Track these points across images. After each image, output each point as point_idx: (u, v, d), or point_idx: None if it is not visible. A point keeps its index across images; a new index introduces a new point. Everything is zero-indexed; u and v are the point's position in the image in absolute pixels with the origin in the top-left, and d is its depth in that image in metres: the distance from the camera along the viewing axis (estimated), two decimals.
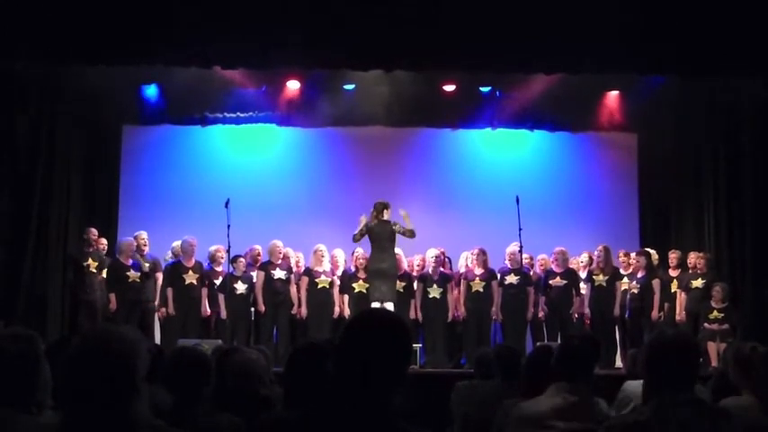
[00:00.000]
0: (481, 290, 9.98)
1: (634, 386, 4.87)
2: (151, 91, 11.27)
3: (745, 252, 10.25)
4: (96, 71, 9.35)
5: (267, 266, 9.96)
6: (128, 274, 9.83)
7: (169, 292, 9.85)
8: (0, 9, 8.18)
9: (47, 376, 2.69)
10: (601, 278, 10.13)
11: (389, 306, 9.07)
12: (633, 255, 10.44)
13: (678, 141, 11.57)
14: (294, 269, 10.17)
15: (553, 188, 11.80)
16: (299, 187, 11.65)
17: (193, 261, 9.98)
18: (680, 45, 8.66)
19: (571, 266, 10.33)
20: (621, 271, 10.34)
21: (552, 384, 3.57)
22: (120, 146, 11.64)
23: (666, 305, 10.12)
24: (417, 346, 9.56)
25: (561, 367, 3.62)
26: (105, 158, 11.52)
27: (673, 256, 10.49)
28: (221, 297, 9.83)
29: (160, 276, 10.09)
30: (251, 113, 11.71)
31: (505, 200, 9.68)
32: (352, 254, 10.06)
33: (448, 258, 10.54)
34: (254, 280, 9.93)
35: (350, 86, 11.21)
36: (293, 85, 11.40)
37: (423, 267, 10.32)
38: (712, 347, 9.32)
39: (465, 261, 10.42)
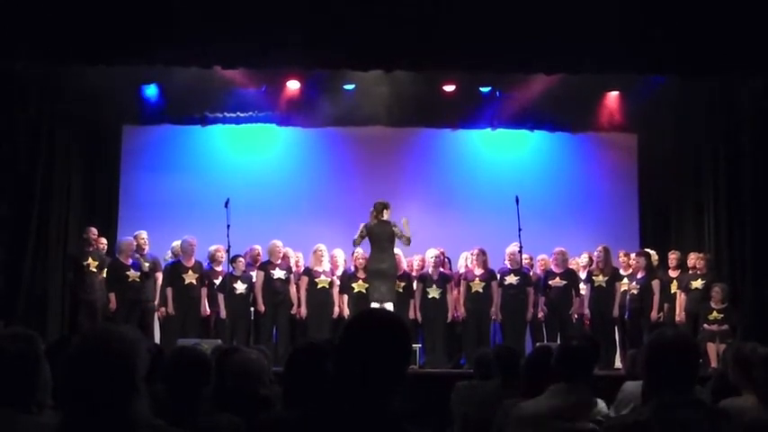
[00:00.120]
0: (481, 290, 9.97)
1: (633, 387, 4.88)
2: (151, 91, 11.26)
3: (744, 252, 10.23)
4: (96, 71, 9.36)
5: (267, 266, 9.97)
6: (127, 273, 9.84)
7: (169, 291, 9.85)
8: (0, 9, 8.18)
9: (47, 376, 2.69)
10: (600, 279, 10.13)
11: (389, 307, 9.06)
12: (633, 255, 10.44)
13: (678, 141, 11.56)
14: (294, 269, 10.17)
15: (553, 188, 11.80)
16: (299, 187, 11.65)
17: (193, 261, 9.99)
18: (680, 45, 8.66)
19: (571, 267, 10.33)
20: (621, 271, 10.34)
21: (552, 385, 3.58)
22: (120, 146, 11.64)
23: (666, 306, 10.12)
24: (417, 346, 9.56)
25: (561, 368, 3.62)
26: (105, 158, 11.53)
27: (672, 257, 10.49)
28: (221, 297, 9.84)
29: (160, 276, 10.09)
30: (251, 113, 11.71)
31: (505, 200, 9.68)
32: (352, 254, 10.06)
33: (447, 259, 10.54)
34: (254, 280, 9.94)
35: (350, 86, 11.20)
36: (293, 85, 11.40)
37: (422, 267, 10.32)
38: (712, 348, 9.31)
39: (465, 261, 10.42)
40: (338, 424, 2.04)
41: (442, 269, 10.19)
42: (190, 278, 9.88)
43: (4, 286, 9.40)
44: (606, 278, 10.11)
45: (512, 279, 10.01)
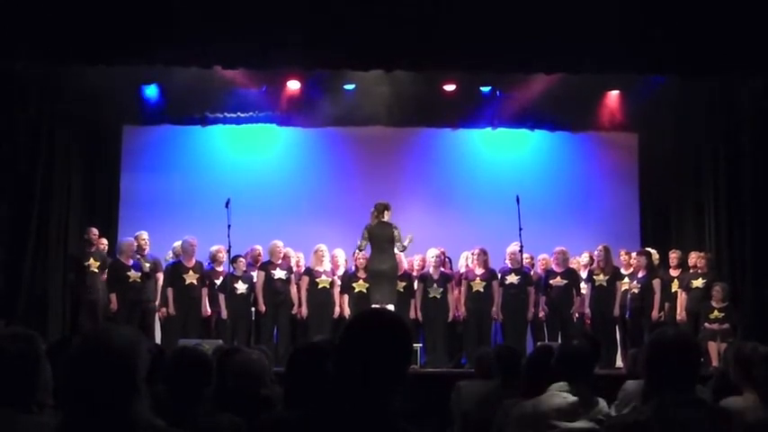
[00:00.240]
0: (482, 290, 9.97)
1: (634, 386, 4.89)
2: (151, 91, 11.26)
3: (745, 252, 10.24)
4: (96, 71, 9.35)
5: (267, 266, 9.97)
6: (128, 274, 9.84)
7: (170, 292, 9.85)
8: (0, 9, 8.18)
9: (47, 376, 2.69)
10: (601, 278, 10.13)
11: (390, 308, 9.05)
12: (634, 254, 10.44)
13: (678, 141, 11.56)
14: (294, 269, 10.17)
15: (553, 188, 11.80)
16: (300, 187, 11.65)
17: (194, 261, 9.99)
18: (680, 45, 8.66)
19: (571, 266, 10.33)
20: (622, 271, 10.33)
21: (552, 384, 3.58)
22: (120, 146, 11.64)
23: (667, 305, 10.12)
24: (418, 345, 9.57)
25: (561, 367, 3.62)
26: (105, 158, 11.52)
27: (673, 256, 10.48)
28: (222, 297, 9.84)
29: (161, 276, 10.09)
30: (251, 113, 11.71)
31: (506, 200, 9.67)
32: (353, 254, 10.06)
33: (448, 258, 10.54)
34: (255, 280, 9.94)
35: (350, 86, 11.21)
36: (294, 85, 11.40)
37: (423, 267, 10.32)
38: (713, 347, 9.31)
39: (465, 261, 10.42)
40: (339, 424, 2.04)
41: (442, 269, 10.19)
42: (190, 278, 9.88)
43: (4, 286, 9.40)
44: (607, 277, 10.11)
45: (512, 278, 10.01)
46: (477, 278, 10.01)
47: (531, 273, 10.28)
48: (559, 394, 3.52)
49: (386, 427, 2.05)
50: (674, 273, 10.37)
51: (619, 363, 9.82)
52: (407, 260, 10.31)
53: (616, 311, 10.07)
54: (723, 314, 9.61)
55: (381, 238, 9.50)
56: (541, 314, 10.11)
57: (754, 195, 10.08)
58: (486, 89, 11.59)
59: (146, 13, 8.22)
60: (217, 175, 11.41)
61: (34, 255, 9.75)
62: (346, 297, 9.94)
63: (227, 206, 9.17)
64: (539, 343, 9.23)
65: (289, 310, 9.93)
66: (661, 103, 11.20)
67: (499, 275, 10.05)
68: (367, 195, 10.38)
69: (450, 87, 11.38)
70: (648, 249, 10.59)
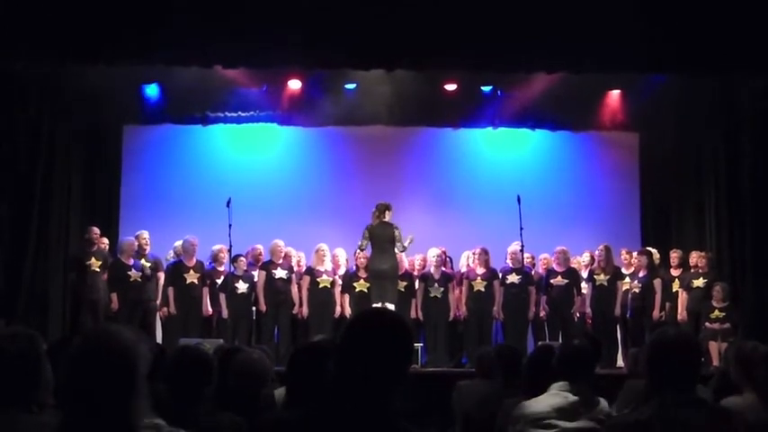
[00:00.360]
0: (483, 289, 9.98)
1: (635, 385, 4.88)
2: (152, 90, 11.26)
3: (745, 251, 10.24)
4: (96, 71, 9.35)
5: (268, 266, 9.97)
6: (129, 273, 9.85)
7: (170, 291, 9.86)
8: (0, 9, 8.18)
9: (48, 376, 2.69)
10: (602, 277, 10.13)
11: (391, 308, 9.05)
12: (634, 254, 10.43)
13: (679, 141, 11.56)
14: (295, 269, 10.17)
15: (554, 187, 11.79)
16: (301, 187, 11.65)
17: (195, 260, 9.99)
18: (680, 45, 8.65)
19: (572, 266, 10.32)
20: (623, 270, 10.33)
21: (553, 384, 3.58)
22: (120, 146, 11.64)
23: (668, 304, 10.11)
24: (418, 345, 9.56)
25: (562, 367, 3.62)
26: (106, 158, 11.52)
27: (674, 256, 10.48)
28: (222, 296, 9.84)
29: (162, 276, 10.09)
30: (252, 113, 11.70)
31: (507, 199, 9.67)
32: (354, 253, 10.06)
33: (449, 258, 10.54)
34: (256, 279, 9.94)
35: (351, 86, 11.20)
36: (294, 85, 11.40)
37: (424, 267, 10.33)
38: (714, 347, 9.31)
39: (466, 260, 10.43)
40: (340, 424, 2.04)
41: (443, 268, 10.19)
42: (191, 278, 9.88)
43: (4, 286, 9.40)
44: (608, 277, 10.11)
45: (513, 278, 10.01)
46: (479, 278, 10.01)
47: (532, 272, 10.28)
48: (560, 394, 3.52)
49: (387, 427, 2.05)
50: (674, 272, 10.37)
51: (620, 362, 9.81)
52: (408, 260, 10.30)
53: (617, 311, 10.07)
54: (724, 314, 9.61)
55: (382, 238, 9.50)
56: (542, 314, 10.11)
57: (754, 195, 10.08)
58: (487, 89, 11.58)
59: (146, 12, 8.22)
60: (218, 175, 11.40)
61: (35, 255, 9.74)
62: (347, 297, 9.94)
63: (228, 206, 9.17)
64: (539, 342, 9.24)
65: (290, 309, 9.93)
66: (662, 103, 11.19)
67: (500, 275, 10.05)
68: (368, 195, 10.39)
69: (451, 87, 11.38)
70: (649, 249, 10.59)
